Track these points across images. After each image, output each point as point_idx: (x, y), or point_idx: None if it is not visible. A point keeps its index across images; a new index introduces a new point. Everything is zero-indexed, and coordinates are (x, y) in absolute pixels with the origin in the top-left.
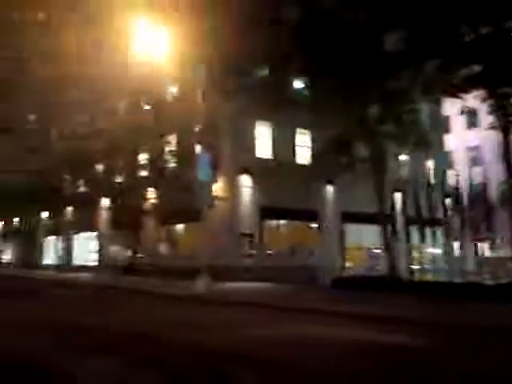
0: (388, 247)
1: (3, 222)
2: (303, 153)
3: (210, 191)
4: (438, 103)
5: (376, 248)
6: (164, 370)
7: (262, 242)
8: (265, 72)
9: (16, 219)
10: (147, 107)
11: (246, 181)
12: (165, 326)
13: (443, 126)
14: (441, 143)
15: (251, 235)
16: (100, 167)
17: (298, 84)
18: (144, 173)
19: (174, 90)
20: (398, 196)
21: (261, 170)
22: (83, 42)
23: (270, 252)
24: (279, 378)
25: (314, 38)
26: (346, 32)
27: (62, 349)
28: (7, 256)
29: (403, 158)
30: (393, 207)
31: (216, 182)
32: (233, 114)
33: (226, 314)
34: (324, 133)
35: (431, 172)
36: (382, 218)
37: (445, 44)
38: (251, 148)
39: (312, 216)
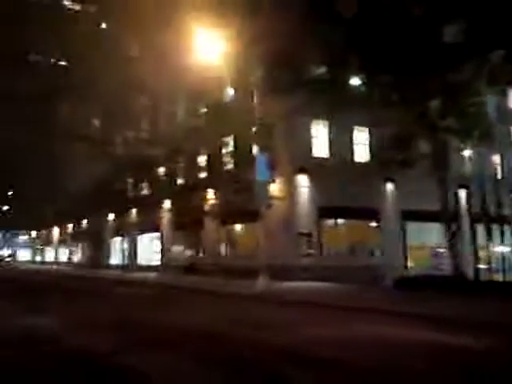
0: (452, 246)
1: (73, 224)
2: (361, 151)
3: (268, 191)
4: (504, 95)
5: (440, 247)
6: (224, 366)
7: (320, 241)
8: (321, 70)
9: (84, 221)
10: (205, 110)
11: (303, 180)
12: (226, 324)
13: (511, 118)
14: (509, 137)
15: (309, 234)
16: (161, 170)
17: (355, 81)
18: (203, 174)
19: (231, 91)
20: (462, 192)
21: (318, 169)
22: (144, 47)
23: (328, 251)
24: (338, 378)
25: (371, 34)
26: (403, 26)
27: (128, 345)
28: (77, 256)
29: (468, 152)
30: (457, 204)
31: (273, 182)
32: (289, 114)
33: (285, 313)
34: (383, 130)
35: (498, 167)
36: (446, 215)
37: (509, 33)
38: (308, 147)
39: (371, 214)
